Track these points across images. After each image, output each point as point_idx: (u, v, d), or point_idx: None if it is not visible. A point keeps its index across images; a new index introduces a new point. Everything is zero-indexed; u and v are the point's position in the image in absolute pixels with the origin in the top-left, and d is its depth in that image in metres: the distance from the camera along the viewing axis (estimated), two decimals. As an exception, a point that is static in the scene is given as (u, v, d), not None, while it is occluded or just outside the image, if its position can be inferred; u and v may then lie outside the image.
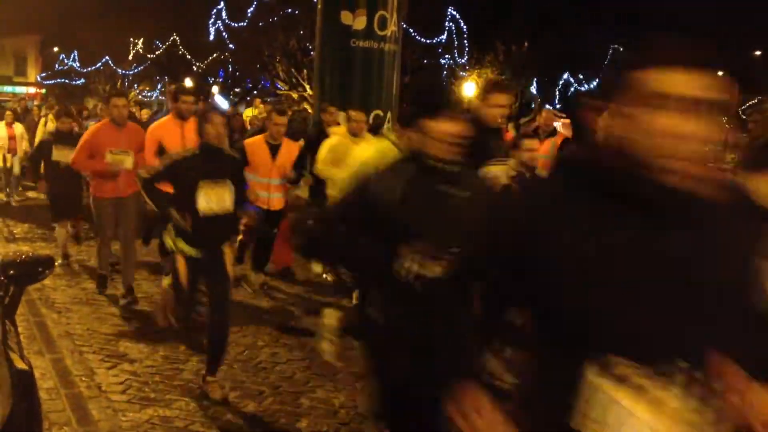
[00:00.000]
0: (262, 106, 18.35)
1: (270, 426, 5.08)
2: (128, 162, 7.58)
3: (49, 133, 11.92)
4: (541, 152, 10.56)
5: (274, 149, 8.24)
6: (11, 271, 3.42)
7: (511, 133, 17.34)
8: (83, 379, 5.71)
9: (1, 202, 15.03)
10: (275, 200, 8.30)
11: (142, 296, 8.11)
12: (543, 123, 10.62)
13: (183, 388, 5.63)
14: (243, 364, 6.19)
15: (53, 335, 6.71)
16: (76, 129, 11.14)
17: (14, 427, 2.62)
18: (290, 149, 8.44)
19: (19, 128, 15.39)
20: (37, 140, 14.80)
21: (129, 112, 8.67)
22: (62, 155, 9.10)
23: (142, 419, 5.07)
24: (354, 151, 7.19)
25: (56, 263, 3.66)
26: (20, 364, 3.07)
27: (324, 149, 7.97)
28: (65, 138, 9.52)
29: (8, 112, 15.46)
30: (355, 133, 8.00)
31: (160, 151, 7.36)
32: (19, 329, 6.52)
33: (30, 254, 3.63)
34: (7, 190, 15.46)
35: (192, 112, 7.58)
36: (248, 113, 16.65)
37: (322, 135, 8.89)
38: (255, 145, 8.29)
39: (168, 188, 5.56)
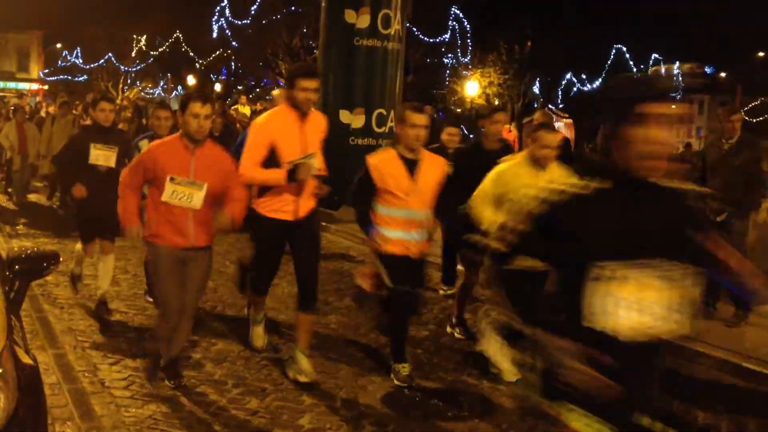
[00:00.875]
0: (246, 103, 17.71)
1: (272, 422, 5.09)
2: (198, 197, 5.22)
3: (82, 127, 10.29)
4: None
5: (411, 165, 5.76)
6: (16, 266, 3.43)
7: (513, 133, 17.31)
8: (86, 374, 5.72)
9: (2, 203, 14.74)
10: (415, 243, 5.80)
11: (144, 292, 8.15)
12: (537, 123, 10.60)
13: (185, 384, 5.63)
14: (245, 361, 6.20)
15: (56, 331, 6.72)
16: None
17: (20, 421, 2.63)
18: (434, 166, 5.92)
19: (32, 129, 14.59)
20: (44, 139, 14.38)
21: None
22: (103, 157, 7.22)
23: (144, 415, 5.08)
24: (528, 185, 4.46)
25: (61, 259, 3.66)
26: (26, 359, 3.08)
27: (491, 179, 5.90)
28: (105, 133, 7.31)
29: (19, 111, 14.80)
30: (540, 161, 5.82)
31: (271, 156, 5.57)
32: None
33: (35, 250, 3.63)
34: (9, 190, 15.31)
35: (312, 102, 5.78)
36: (243, 110, 16.12)
37: (479, 151, 7.26)
38: (385, 162, 5.80)
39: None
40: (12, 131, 14.59)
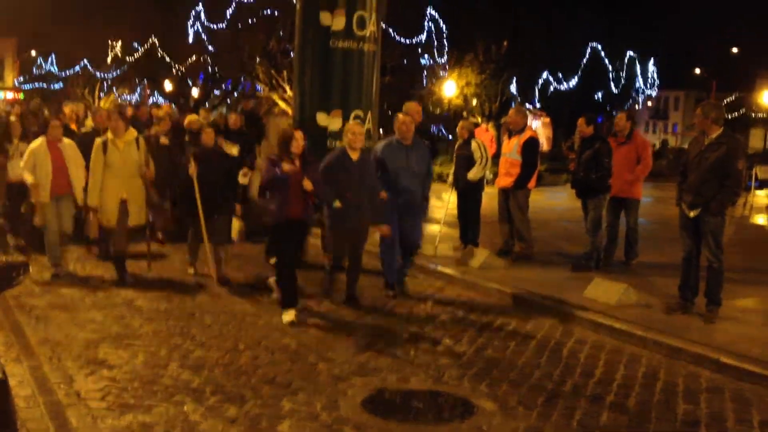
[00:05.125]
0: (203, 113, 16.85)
1: (251, 429, 5.04)
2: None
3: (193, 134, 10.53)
4: (505, 149, 10.68)
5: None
6: (-16, 278, 3.34)
7: (491, 132, 17.35)
8: (61, 386, 5.65)
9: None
10: None
11: (122, 300, 8.08)
12: (511, 122, 10.63)
13: (163, 393, 5.58)
14: (224, 368, 6.15)
15: (31, 342, 6.64)
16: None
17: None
18: None
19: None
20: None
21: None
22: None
23: (121, 425, 5.02)
24: None
25: (30, 268, 3.60)
26: (-6, 373, 3.01)
27: None
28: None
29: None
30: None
31: None
32: (-4, 336, 6.47)
33: (3, 259, 3.57)
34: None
35: None
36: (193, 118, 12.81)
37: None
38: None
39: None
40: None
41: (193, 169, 8.86)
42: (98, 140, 8.97)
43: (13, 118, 11.85)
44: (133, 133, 9.09)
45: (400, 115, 8.78)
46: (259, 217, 9.12)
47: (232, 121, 13.26)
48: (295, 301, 7.65)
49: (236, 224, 10.07)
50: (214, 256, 9.16)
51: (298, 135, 7.59)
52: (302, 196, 7.55)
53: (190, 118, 11.89)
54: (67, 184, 9.09)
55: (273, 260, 9.55)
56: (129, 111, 16.95)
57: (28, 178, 8.97)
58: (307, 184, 7.42)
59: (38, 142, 9.13)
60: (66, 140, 9.36)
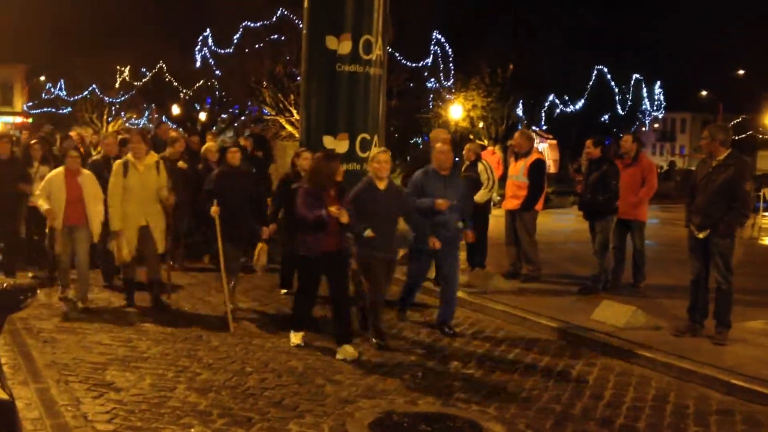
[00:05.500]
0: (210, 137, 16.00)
1: (258, 453, 5.02)
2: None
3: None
4: (512, 172, 10.68)
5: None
6: (-7, 301, 3.35)
7: (498, 155, 17.38)
8: (69, 408, 5.63)
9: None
10: None
11: (129, 324, 8.08)
12: (516, 144, 10.64)
13: (170, 415, 5.56)
14: (231, 391, 6.13)
15: (39, 365, 6.63)
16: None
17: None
18: None
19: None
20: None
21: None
22: None
23: (128, 449, 5.00)
24: None
25: (38, 291, 3.61)
26: (1, 394, 3.01)
27: None
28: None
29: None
30: None
31: None
32: (4, 359, 6.47)
33: (11, 282, 3.57)
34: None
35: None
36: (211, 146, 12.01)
37: None
38: None
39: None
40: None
41: (215, 210, 8.25)
42: (118, 162, 8.70)
43: (33, 141, 11.42)
44: (154, 156, 8.79)
45: (439, 144, 8.41)
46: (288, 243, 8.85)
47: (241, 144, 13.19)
48: (305, 325, 7.55)
49: (261, 250, 8.88)
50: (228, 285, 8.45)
51: (341, 170, 7.40)
52: (338, 228, 7.19)
53: (207, 146, 11.57)
54: (82, 215, 8.71)
55: (284, 291, 9.50)
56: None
57: (42, 205, 8.64)
58: (344, 217, 7.04)
59: (57, 171, 8.83)
60: (85, 172, 8.96)
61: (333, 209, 7.00)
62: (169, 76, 41.92)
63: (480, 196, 10.58)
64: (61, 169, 8.86)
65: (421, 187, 8.14)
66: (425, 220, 8.01)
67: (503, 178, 12.36)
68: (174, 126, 39.43)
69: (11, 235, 10.12)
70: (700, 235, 7.49)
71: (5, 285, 3.45)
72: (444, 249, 7.99)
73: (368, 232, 7.32)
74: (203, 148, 11.45)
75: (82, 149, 12.79)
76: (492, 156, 14.80)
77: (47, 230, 9.13)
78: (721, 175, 7.36)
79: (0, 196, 9.70)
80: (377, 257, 7.54)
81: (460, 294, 9.21)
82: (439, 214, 7.99)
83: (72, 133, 17.73)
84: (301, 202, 7.23)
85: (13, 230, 10.14)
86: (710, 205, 7.40)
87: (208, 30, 32.03)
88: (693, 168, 13.56)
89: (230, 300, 8.32)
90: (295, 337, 7.48)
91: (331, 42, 11.75)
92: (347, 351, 7.10)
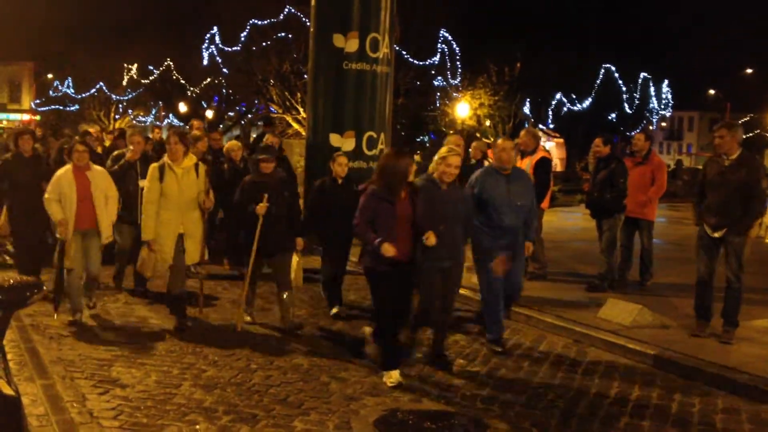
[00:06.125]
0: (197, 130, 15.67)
1: (263, 450, 5.03)
2: None
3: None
4: None
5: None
6: (-1, 297, 3.35)
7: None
8: (74, 405, 5.65)
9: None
10: None
11: (136, 320, 8.11)
12: (522, 143, 10.62)
13: (175, 412, 5.58)
14: (236, 388, 6.14)
15: (45, 361, 6.65)
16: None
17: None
18: None
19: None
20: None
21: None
22: None
23: (133, 445, 5.02)
24: None
25: (44, 288, 3.62)
26: (7, 390, 3.03)
27: None
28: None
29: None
30: None
31: None
32: (10, 355, 6.50)
33: (17, 279, 3.59)
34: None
35: None
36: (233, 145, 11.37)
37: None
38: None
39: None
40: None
41: (262, 208, 7.71)
42: (154, 165, 7.87)
43: (66, 145, 10.20)
44: (192, 158, 7.96)
45: (500, 141, 7.49)
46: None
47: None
48: (398, 361, 6.45)
49: (298, 266, 8.25)
50: (279, 302, 8.01)
51: (412, 167, 6.48)
52: (410, 234, 6.30)
53: (230, 145, 11.01)
54: (94, 218, 8.01)
55: (335, 309, 8.52)
56: (157, 135, 16.00)
57: (56, 214, 7.85)
58: (432, 239, 6.15)
59: (65, 168, 8.08)
60: (96, 167, 8.24)
61: (390, 250, 6.07)
62: (176, 74, 42.00)
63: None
64: (68, 166, 8.14)
65: (480, 189, 7.27)
66: (489, 229, 7.20)
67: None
68: (182, 124, 39.56)
69: (34, 238, 9.32)
70: (716, 234, 7.48)
71: (11, 281, 3.47)
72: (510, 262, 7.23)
73: (431, 239, 6.19)
74: (226, 146, 10.94)
75: (99, 148, 12.49)
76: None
77: (57, 241, 8.19)
78: (735, 174, 7.34)
79: (22, 196, 8.99)
80: (441, 267, 6.66)
81: (462, 291, 8.47)
82: (503, 219, 7.17)
83: (91, 130, 17.68)
84: (363, 205, 6.36)
85: (35, 232, 9.32)
86: (726, 203, 7.38)
87: (215, 28, 32.08)
88: (700, 167, 13.52)
89: (285, 316, 7.88)
90: (390, 377, 6.33)
91: (338, 40, 11.78)
92: (392, 375, 6.34)
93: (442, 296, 6.82)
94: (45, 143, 10.64)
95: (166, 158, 7.85)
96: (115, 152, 9.85)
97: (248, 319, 8.16)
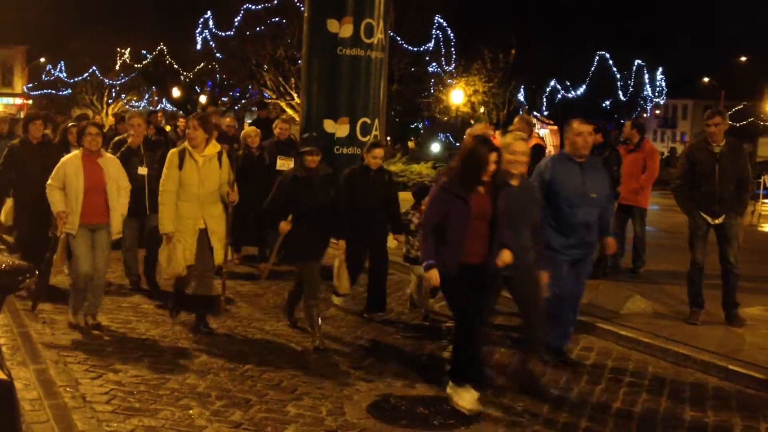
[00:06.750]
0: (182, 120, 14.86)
1: (256, 434, 5.05)
2: None
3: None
4: None
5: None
6: (-9, 282, 3.31)
7: (499, 140, 17.33)
8: (67, 389, 5.65)
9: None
10: None
11: (128, 305, 8.10)
12: (515, 130, 10.60)
13: (168, 397, 5.58)
14: (230, 372, 6.15)
15: (37, 346, 6.64)
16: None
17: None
18: None
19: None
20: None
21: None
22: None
23: (126, 429, 5.02)
24: None
25: (36, 272, 3.61)
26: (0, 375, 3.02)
27: None
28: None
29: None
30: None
31: None
32: (3, 340, 6.51)
33: (10, 263, 3.58)
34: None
35: None
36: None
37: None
38: None
39: None
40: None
41: (285, 227, 7.04)
42: (173, 151, 7.11)
43: (70, 124, 9.68)
44: (216, 146, 7.14)
45: (576, 123, 6.45)
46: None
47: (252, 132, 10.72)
48: (478, 375, 5.69)
49: (342, 270, 7.62)
50: (309, 317, 7.07)
51: (492, 157, 5.41)
52: (486, 234, 5.52)
53: (247, 131, 10.44)
54: (105, 212, 7.11)
55: (374, 316, 7.86)
56: (160, 117, 15.35)
57: (57, 204, 6.94)
58: (507, 257, 5.53)
59: (73, 154, 7.25)
60: (107, 154, 7.39)
61: (504, 257, 5.51)
62: (169, 59, 41.79)
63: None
64: (77, 151, 7.26)
65: (550, 179, 6.37)
66: (557, 225, 6.35)
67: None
68: (175, 109, 39.41)
69: (40, 232, 8.36)
70: (717, 221, 7.53)
71: (3, 266, 3.46)
72: (576, 262, 6.47)
73: (505, 257, 5.54)
74: (243, 132, 10.49)
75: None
76: (494, 141, 14.74)
77: (51, 236, 7.40)
78: (733, 161, 7.44)
79: (28, 187, 8.24)
80: (514, 276, 5.87)
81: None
82: (577, 213, 6.30)
83: (89, 113, 17.35)
84: (432, 205, 5.61)
85: (41, 226, 8.34)
86: (724, 190, 7.47)
87: (209, 12, 31.87)
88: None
89: (316, 332, 6.94)
90: (465, 397, 5.50)
91: (332, 25, 11.71)
92: (466, 398, 5.52)
93: (525, 308, 6.09)
94: (66, 131, 9.37)
95: (186, 144, 7.10)
96: (116, 138, 9.09)
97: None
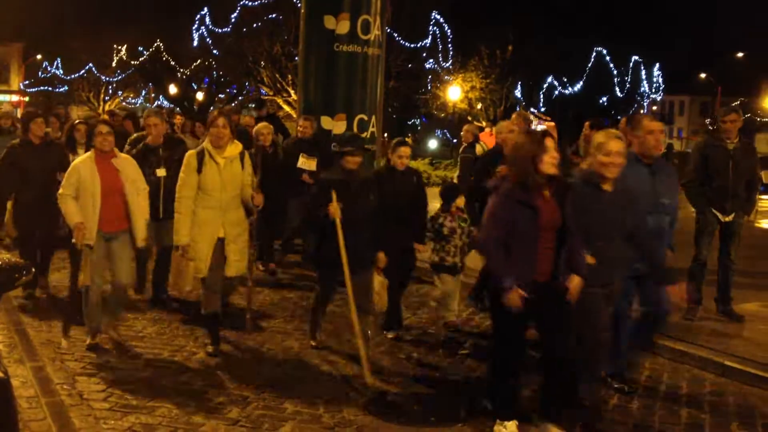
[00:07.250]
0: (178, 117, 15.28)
1: (254, 431, 5.04)
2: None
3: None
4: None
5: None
6: (-12, 280, 3.30)
7: (495, 137, 17.34)
8: (64, 387, 5.65)
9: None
10: None
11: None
12: (513, 126, 10.59)
13: (165, 394, 5.58)
14: (227, 370, 6.14)
15: (34, 343, 6.64)
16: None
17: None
18: None
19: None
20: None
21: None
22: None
23: (123, 427, 5.02)
24: None
25: (33, 270, 3.59)
26: (-4, 372, 3.02)
27: None
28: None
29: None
30: None
31: None
32: (0, 338, 6.50)
33: (6, 260, 3.57)
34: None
35: None
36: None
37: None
38: None
39: None
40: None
41: (336, 209, 6.18)
42: (191, 152, 6.41)
43: (77, 120, 9.19)
44: (238, 146, 6.48)
45: (647, 120, 5.93)
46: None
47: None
48: (513, 409, 5.11)
49: (382, 286, 6.67)
50: (362, 333, 6.22)
51: (550, 144, 4.84)
52: (552, 246, 4.87)
53: (259, 127, 9.81)
54: (123, 217, 6.48)
55: (391, 335, 7.19)
56: (177, 120, 14.45)
57: (73, 215, 6.27)
58: (590, 259, 4.90)
59: (84, 156, 6.56)
60: (122, 154, 6.73)
61: (573, 285, 4.85)
62: (166, 55, 41.71)
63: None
64: (88, 153, 6.59)
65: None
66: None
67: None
68: (173, 106, 39.31)
69: (47, 233, 8.02)
70: (727, 219, 7.55)
71: (1, 263, 3.45)
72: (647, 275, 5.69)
73: (588, 258, 4.97)
74: (255, 128, 9.93)
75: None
76: (490, 137, 14.76)
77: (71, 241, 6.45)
78: (746, 159, 7.50)
79: (30, 189, 7.82)
80: (603, 293, 5.18)
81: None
82: (648, 221, 5.53)
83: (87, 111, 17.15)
84: (496, 213, 4.91)
85: (49, 228, 7.90)
86: (737, 188, 7.52)
87: (205, 9, 31.82)
88: (689, 151, 13.53)
89: (366, 355, 6.16)
90: (505, 429, 5.05)
91: (329, 21, 11.69)
92: (508, 427, 5.05)
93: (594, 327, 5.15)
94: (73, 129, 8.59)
95: (206, 144, 6.42)
96: (134, 135, 8.44)
97: (313, 343, 6.88)
